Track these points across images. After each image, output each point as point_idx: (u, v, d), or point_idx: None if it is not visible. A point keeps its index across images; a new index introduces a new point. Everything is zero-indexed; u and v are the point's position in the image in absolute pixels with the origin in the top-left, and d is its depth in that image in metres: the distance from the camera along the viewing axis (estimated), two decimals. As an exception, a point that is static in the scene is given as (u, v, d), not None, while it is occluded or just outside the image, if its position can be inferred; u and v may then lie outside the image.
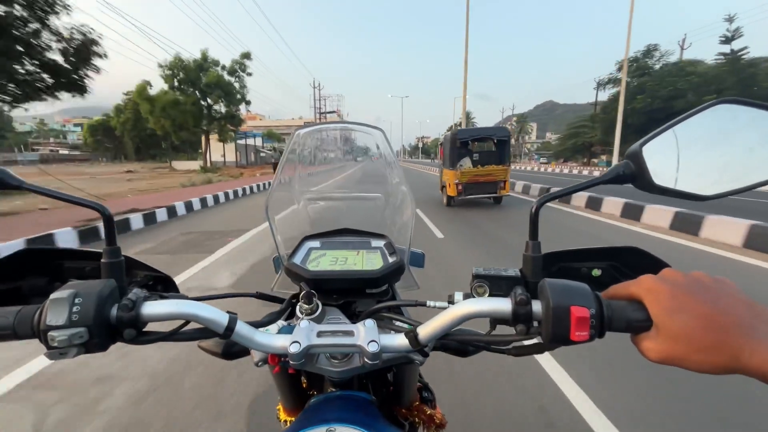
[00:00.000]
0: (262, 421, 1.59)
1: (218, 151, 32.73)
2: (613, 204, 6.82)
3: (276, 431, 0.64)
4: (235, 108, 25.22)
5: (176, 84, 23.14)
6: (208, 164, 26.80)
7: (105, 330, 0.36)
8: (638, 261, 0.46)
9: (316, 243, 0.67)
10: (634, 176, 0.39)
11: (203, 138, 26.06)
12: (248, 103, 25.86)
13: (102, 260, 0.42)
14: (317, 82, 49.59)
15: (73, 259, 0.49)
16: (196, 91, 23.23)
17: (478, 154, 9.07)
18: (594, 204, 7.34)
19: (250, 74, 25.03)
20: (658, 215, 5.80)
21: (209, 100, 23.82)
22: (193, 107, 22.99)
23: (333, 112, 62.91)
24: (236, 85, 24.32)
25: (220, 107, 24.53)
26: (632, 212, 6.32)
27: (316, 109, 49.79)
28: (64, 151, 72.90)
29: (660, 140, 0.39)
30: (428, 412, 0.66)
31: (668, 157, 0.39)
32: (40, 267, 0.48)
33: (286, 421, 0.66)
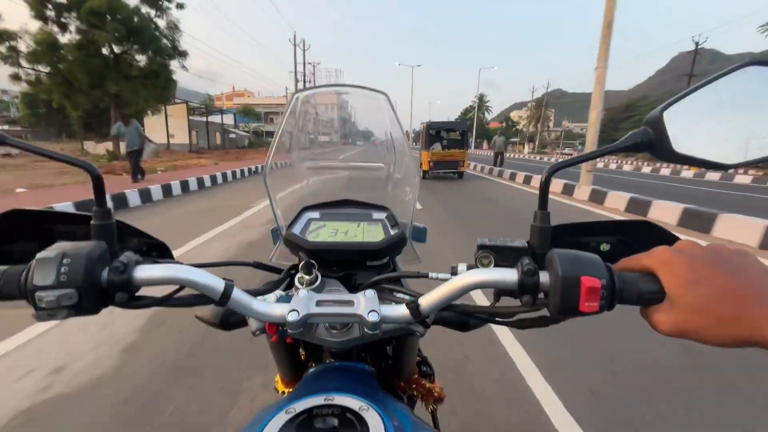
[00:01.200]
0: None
1: (170, 127, 22.33)
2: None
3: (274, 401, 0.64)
4: (165, 61, 16.12)
5: (51, 13, 13.53)
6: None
7: (95, 292, 0.35)
8: (649, 236, 0.45)
9: (315, 214, 0.66)
10: (653, 143, 0.37)
11: (112, 108, 15.38)
12: (182, 54, 16.80)
13: (92, 222, 0.40)
14: (301, 41, 31.21)
15: (64, 222, 0.48)
16: (87, 26, 13.70)
17: (446, 140, 12.13)
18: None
19: (181, 6, 15.95)
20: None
21: (114, 47, 14.66)
22: (82, 53, 13.71)
23: None
24: (155, 22, 15.15)
25: (139, 59, 15.53)
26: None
27: (300, 78, 31.57)
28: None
29: (682, 105, 0.37)
30: (427, 386, 0.66)
31: (690, 123, 0.37)
32: (29, 230, 0.47)
33: (284, 391, 0.66)
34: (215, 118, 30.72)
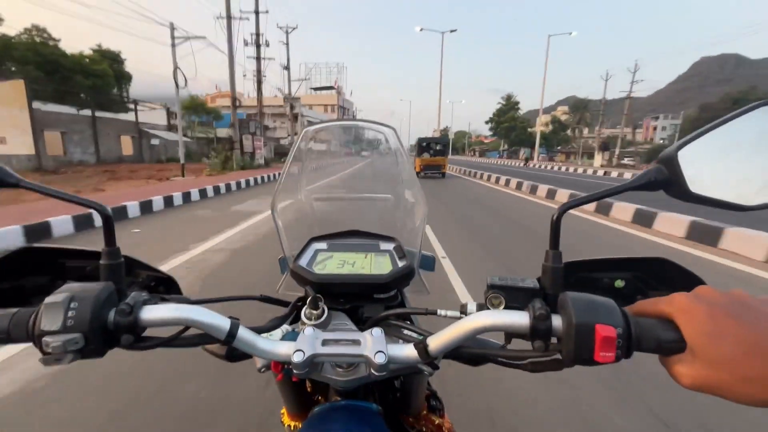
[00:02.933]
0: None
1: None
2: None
3: None
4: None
5: None
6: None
7: (101, 336, 0.35)
8: (666, 273, 0.43)
9: (323, 244, 0.66)
10: (668, 183, 0.36)
11: None
12: None
13: (101, 261, 0.41)
14: (288, 27, 25.00)
15: (74, 258, 0.49)
16: None
17: (432, 150, 16.43)
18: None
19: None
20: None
21: None
22: None
23: (331, 87, 47.09)
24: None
25: None
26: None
27: (291, 80, 26.05)
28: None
29: (698, 144, 0.36)
30: (436, 422, 0.64)
31: (707, 162, 0.36)
32: (41, 266, 0.47)
33: (290, 425, 0.65)
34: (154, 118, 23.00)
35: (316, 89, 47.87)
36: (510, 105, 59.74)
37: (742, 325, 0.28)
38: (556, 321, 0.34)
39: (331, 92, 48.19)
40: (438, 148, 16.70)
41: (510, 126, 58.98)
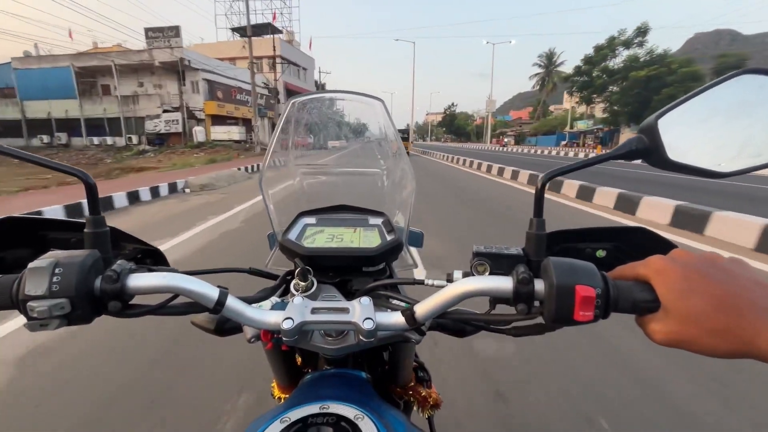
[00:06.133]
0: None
1: None
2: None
3: (270, 407, 0.64)
4: None
5: None
6: None
7: (88, 302, 0.35)
8: (645, 242, 0.45)
9: (311, 219, 0.66)
10: (648, 151, 0.37)
11: None
12: None
13: (85, 230, 0.40)
14: None
15: (58, 229, 0.48)
16: None
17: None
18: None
19: None
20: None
21: None
22: None
23: (268, 29, 26.92)
24: None
25: None
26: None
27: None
28: None
29: (677, 113, 0.37)
30: (423, 392, 0.66)
31: (685, 131, 0.37)
32: (23, 237, 0.46)
33: (280, 397, 0.66)
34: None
35: (235, 30, 28.41)
36: (616, 43, 31.65)
37: (712, 283, 0.30)
38: (539, 285, 0.35)
39: (280, 38, 30.93)
40: (403, 136, 19.71)
41: (606, 81, 31.96)
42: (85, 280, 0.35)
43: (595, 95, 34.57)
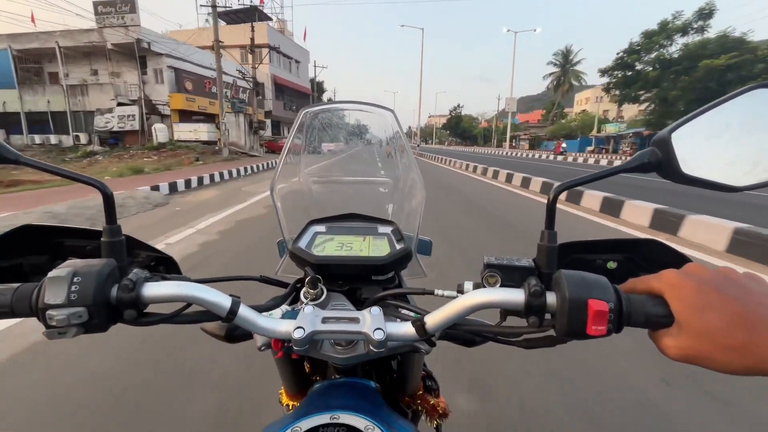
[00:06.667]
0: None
1: None
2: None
3: (278, 414, 0.61)
4: None
5: None
6: None
7: (105, 310, 0.36)
8: (657, 255, 0.45)
9: (321, 227, 0.66)
10: (661, 164, 0.37)
11: None
12: None
13: (102, 239, 0.41)
14: None
15: (74, 237, 0.49)
16: None
17: None
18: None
19: None
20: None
21: None
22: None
23: (269, 18, 29.35)
24: None
25: None
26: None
27: None
28: None
29: (690, 126, 0.37)
30: (431, 402, 0.66)
31: (699, 144, 0.37)
32: (40, 245, 0.48)
33: (288, 404, 0.66)
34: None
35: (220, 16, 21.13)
36: (671, 28, 24.34)
37: (727, 299, 0.29)
38: (551, 298, 0.35)
39: (271, 26, 29.35)
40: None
41: (660, 74, 24.05)
42: (102, 290, 0.36)
43: (642, 91, 26.53)
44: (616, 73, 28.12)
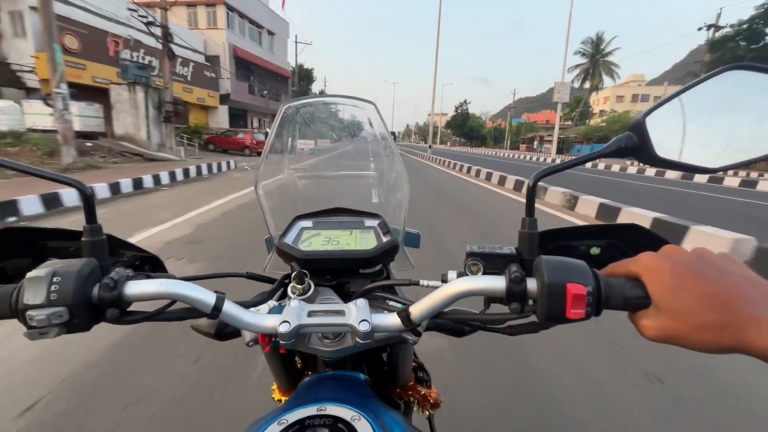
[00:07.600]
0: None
1: None
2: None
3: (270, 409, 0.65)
4: None
5: None
6: None
7: (86, 310, 0.36)
8: (638, 239, 0.45)
9: (308, 223, 0.66)
10: (637, 149, 0.38)
11: None
12: None
13: (82, 238, 0.41)
14: None
15: (57, 238, 0.48)
16: None
17: None
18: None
19: None
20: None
21: None
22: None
23: None
24: None
25: None
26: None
27: None
28: None
29: (665, 110, 0.38)
30: (423, 392, 0.66)
31: (673, 127, 0.37)
32: (23, 247, 0.47)
33: (280, 400, 0.66)
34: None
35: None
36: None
37: (702, 279, 0.30)
38: (531, 283, 0.35)
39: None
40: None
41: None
42: (83, 289, 0.35)
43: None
44: (730, 45, 21.31)
